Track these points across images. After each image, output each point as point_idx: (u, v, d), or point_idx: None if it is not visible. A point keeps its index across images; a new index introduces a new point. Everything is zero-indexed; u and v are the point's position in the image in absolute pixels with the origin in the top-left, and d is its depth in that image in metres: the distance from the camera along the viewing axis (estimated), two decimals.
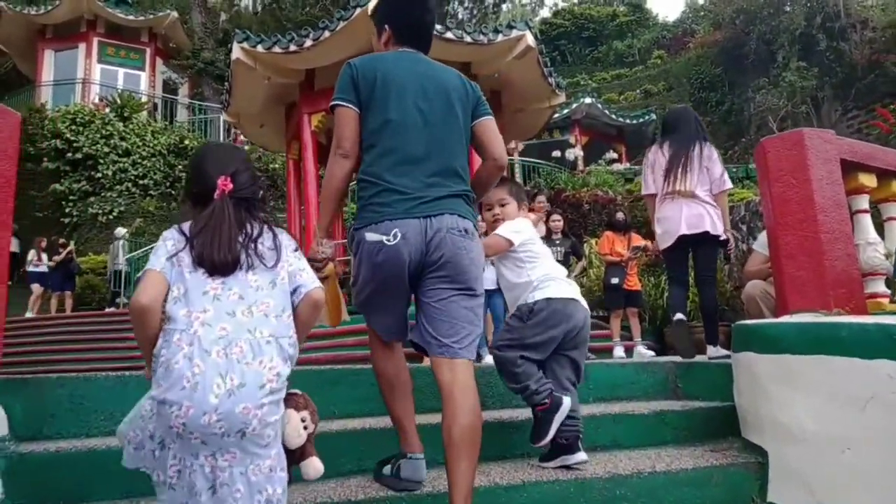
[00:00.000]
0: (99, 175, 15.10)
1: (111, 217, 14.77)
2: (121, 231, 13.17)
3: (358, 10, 7.93)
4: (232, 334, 1.55)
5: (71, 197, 15.00)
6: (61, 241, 12.26)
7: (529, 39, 8.67)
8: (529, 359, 2.36)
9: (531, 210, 7.80)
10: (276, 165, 16.61)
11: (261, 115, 10.42)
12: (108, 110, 16.44)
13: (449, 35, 8.24)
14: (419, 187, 2.01)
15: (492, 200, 2.57)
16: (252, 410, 1.50)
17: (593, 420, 2.71)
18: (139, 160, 15.66)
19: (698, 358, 3.59)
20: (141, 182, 15.54)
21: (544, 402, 2.28)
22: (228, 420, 1.49)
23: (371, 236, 2.00)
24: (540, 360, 2.40)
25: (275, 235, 1.73)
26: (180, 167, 16.02)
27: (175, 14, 20.58)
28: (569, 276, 6.34)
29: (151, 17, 20.26)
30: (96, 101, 17.58)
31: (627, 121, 19.48)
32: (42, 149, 15.17)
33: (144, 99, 18.59)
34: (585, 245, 9.92)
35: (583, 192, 12.04)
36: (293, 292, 1.70)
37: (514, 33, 8.55)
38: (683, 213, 3.73)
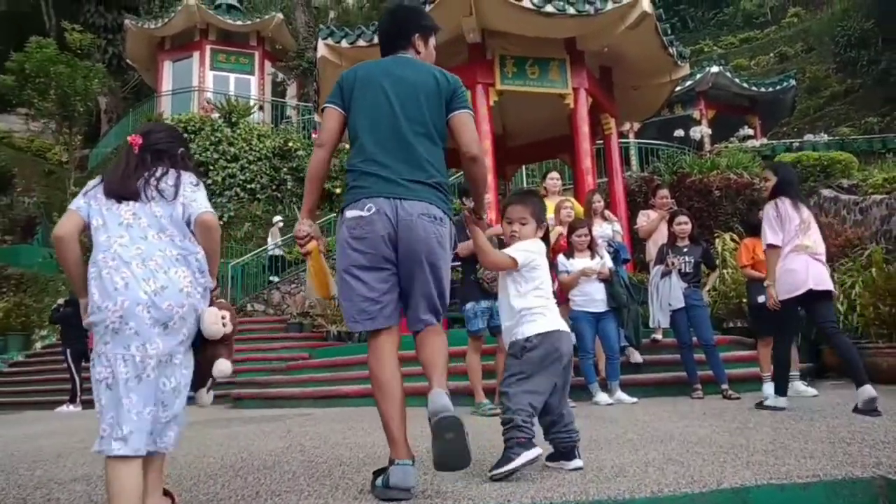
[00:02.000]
0: (210, 181, 15.46)
1: (222, 222, 15.08)
2: (277, 218, 14.18)
3: None
4: (146, 252, 1.94)
5: None
6: None
7: (645, 5, 7.42)
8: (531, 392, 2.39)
9: (651, 207, 6.75)
10: None
11: None
12: (216, 115, 16.83)
13: (549, 8, 7.19)
14: (390, 173, 2.25)
15: (512, 217, 2.65)
16: (175, 308, 1.91)
17: None
18: (246, 165, 15.88)
19: None
20: (248, 186, 15.76)
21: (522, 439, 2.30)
22: (157, 312, 1.88)
23: (350, 213, 2.25)
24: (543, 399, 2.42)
25: (178, 175, 2.10)
26: (285, 170, 16.09)
27: (280, 16, 20.83)
28: (699, 289, 5.06)
29: (258, 20, 20.64)
30: (205, 104, 18.08)
31: (762, 89, 17.18)
32: None
33: (253, 103, 18.93)
34: (718, 241, 8.52)
35: (712, 176, 10.47)
36: (187, 222, 2.04)
37: None
38: (810, 269, 3.93)
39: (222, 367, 2.10)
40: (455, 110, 2.36)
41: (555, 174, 6.76)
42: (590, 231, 5.18)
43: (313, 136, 18.12)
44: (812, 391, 4.87)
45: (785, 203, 4.07)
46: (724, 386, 4.98)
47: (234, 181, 15.66)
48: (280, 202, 15.98)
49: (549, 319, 2.50)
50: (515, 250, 2.55)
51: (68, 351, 8.87)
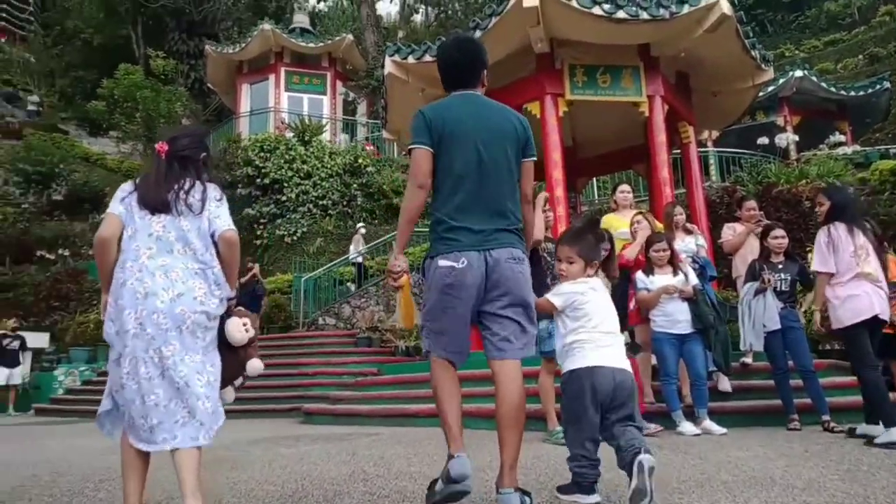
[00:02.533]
0: (284, 198, 15.87)
1: (295, 238, 15.42)
2: (360, 225, 14.57)
3: (510, 3, 6.96)
4: (170, 265, 2.23)
5: (261, 220, 15.95)
6: (248, 263, 12.84)
7: (724, 6, 7.00)
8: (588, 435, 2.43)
9: (738, 220, 6.29)
10: None
11: None
12: (290, 134, 17.31)
13: (620, 14, 6.90)
14: (479, 226, 2.45)
15: (561, 256, 2.70)
16: (188, 312, 2.19)
17: None
18: (319, 181, 16.21)
19: None
20: (321, 203, 16.06)
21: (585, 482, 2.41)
22: (171, 317, 2.17)
23: (443, 262, 2.42)
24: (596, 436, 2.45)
25: (204, 189, 2.33)
26: (355, 186, 16.31)
27: (350, 37, 21.32)
28: (796, 309, 4.65)
29: (330, 42, 21.20)
30: (279, 124, 18.68)
31: (851, 93, 16.06)
32: (237, 176, 16.35)
33: (324, 122, 19.38)
34: (810, 255, 7.87)
35: (801, 186, 9.78)
36: (211, 235, 2.30)
37: (704, 1, 6.94)
38: (874, 296, 3.90)
39: (255, 365, 2.44)
40: (525, 157, 2.62)
41: (625, 187, 6.38)
42: (670, 246, 4.84)
43: (367, 147, 18.34)
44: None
45: (838, 229, 4.05)
46: (826, 417, 4.51)
47: (307, 198, 16.01)
48: (350, 217, 16.19)
49: (582, 355, 2.50)
50: (554, 294, 2.64)
51: None
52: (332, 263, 13.96)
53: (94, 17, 28.52)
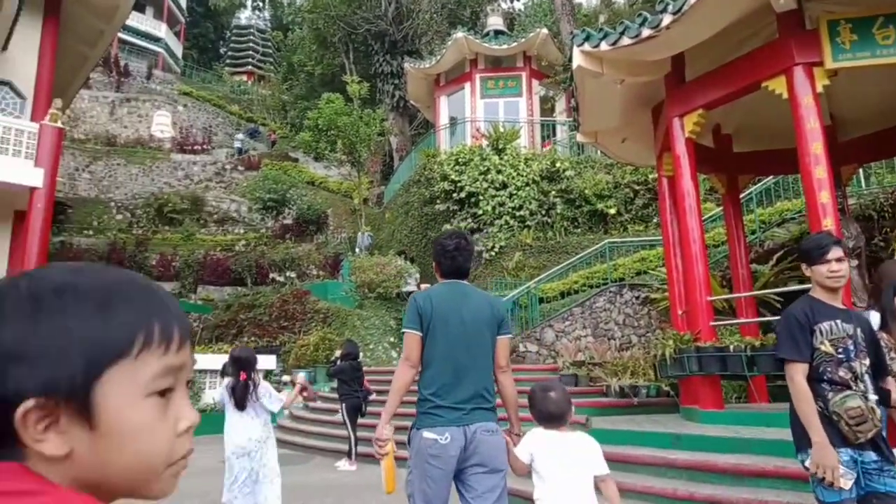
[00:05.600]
0: (480, 212, 15.15)
1: (493, 253, 14.59)
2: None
3: None
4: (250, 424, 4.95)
5: None
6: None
7: None
8: None
9: None
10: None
11: (621, 128, 8.32)
12: (484, 143, 16.58)
13: None
14: (460, 405, 2.88)
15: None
16: (253, 440, 4.91)
17: None
18: (514, 191, 15.20)
19: None
20: (518, 213, 15.02)
21: None
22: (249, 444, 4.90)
23: (428, 434, 2.86)
24: None
25: (256, 388, 4.90)
26: (554, 193, 14.98)
27: (545, 30, 20.04)
28: None
29: (523, 40, 20.15)
30: (475, 133, 18.10)
31: None
32: (435, 191, 16.05)
33: (519, 126, 18.36)
34: None
35: None
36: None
37: None
38: None
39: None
40: (501, 335, 3.06)
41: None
42: None
43: (543, 145, 16.73)
44: None
45: None
46: None
47: (504, 209, 15.09)
48: (550, 227, 14.91)
49: None
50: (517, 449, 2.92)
51: (344, 406, 8.81)
52: (531, 284, 12.74)
53: (312, 50, 31.07)
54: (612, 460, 6.26)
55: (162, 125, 30.27)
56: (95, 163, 26.90)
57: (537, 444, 2.70)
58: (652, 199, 14.57)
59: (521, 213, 14.99)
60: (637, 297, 11.45)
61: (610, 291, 11.47)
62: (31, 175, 11.93)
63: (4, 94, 13.42)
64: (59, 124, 12.56)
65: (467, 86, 20.54)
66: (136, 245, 22.14)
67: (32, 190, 11.93)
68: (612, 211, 14.43)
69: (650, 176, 14.62)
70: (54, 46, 13.67)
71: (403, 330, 3.02)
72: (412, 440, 2.90)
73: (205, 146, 30.87)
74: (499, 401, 3.09)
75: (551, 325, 11.48)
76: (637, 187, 14.67)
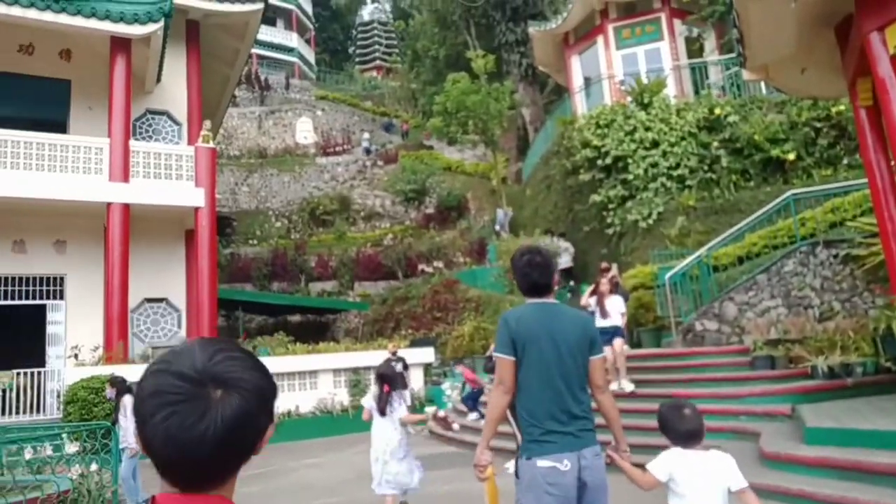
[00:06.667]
0: (631, 176, 13.78)
1: (650, 222, 13.20)
2: None
3: None
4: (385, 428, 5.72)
5: (610, 205, 14.17)
6: (603, 264, 11.13)
7: None
8: None
9: None
10: (843, 107, 11.90)
11: (798, 56, 6.88)
12: (627, 99, 15.08)
13: None
14: (567, 429, 2.82)
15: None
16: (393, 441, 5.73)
17: None
18: (668, 149, 13.61)
19: None
20: (675, 174, 13.44)
21: None
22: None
23: (544, 462, 2.76)
24: None
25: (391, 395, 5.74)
26: (716, 144, 13.20)
27: None
28: None
29: None
30: (617, 88, 16.55)
31: None
32: (577, 161, 14.90)
33: (666, 73, 16.50)
34: None
35: None
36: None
37: None
38: None
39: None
40: (593, 355, 2.97)
41: None
42: None
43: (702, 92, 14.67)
44: None
45: None
46: None
47: (658, 171, 13.58)
48: (716, 185, 13.16)
49: None
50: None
51: None
52: (694, 257, 11.18)
53: (434, 33, 30.73)
54: (837, 468, 5.09)
55: (305, 132, 31.75)
56: (251, 176, 28.82)
57: (678, 464, 2.64)
58: (838, 137, 12.32)
59: (679, 172, 13.39)
60: (835, 256, 9.66)
61: (800, 252, 9.78)
62: (193, 195, 12.87)
63: (164, 124, 14.47)
64: (211, 144, 13.27)
65: (600, 39, 18.91)
66: (296, 249, 23.34)
67: (196, 209, 12.81)
68: (791, 156, 12.40)
69: (833, 109, 12.35)
70: (199, 70, 14.50)
71: (495, 354, 2.98)
72: (521, 470, 2.84)
73: (345, 146, 31.92)
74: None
75: (731, 298, 10.02)
76: (818, 125, 12.50)
